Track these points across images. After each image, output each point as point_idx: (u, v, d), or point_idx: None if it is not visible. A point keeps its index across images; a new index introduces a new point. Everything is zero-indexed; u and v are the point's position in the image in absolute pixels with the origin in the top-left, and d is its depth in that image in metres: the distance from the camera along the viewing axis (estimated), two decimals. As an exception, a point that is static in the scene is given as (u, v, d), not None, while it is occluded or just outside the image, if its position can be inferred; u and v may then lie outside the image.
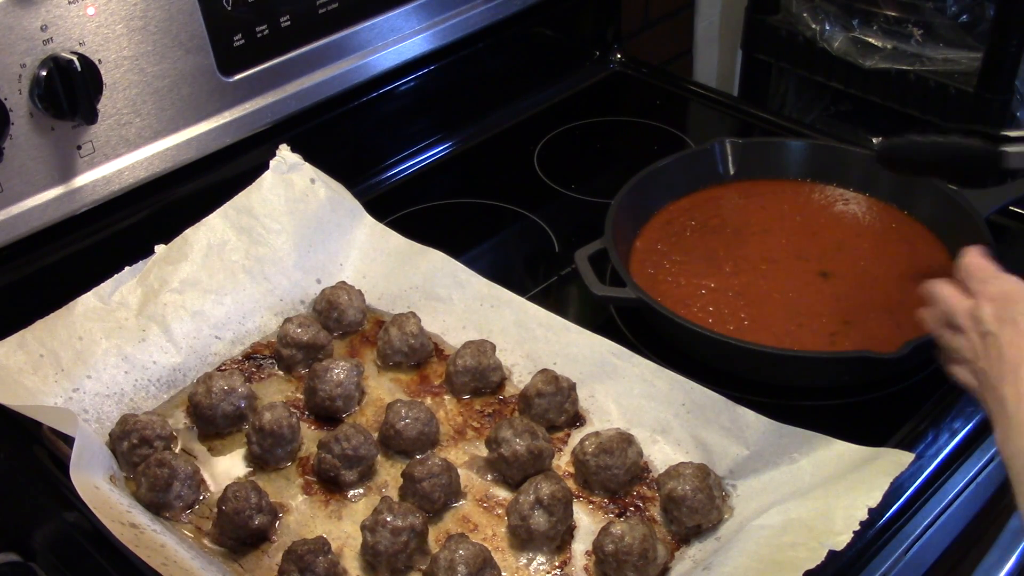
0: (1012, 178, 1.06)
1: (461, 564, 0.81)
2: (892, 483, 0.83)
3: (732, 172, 1.24)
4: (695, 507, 0.86)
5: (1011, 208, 1.18)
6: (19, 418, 0.90)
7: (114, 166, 1.06)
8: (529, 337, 1.05)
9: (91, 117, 1.00)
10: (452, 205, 1.31)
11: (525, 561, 0.87)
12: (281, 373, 1.05)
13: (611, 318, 1.10)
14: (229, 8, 1.10)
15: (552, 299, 1.13)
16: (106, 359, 0.99)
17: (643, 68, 1.58)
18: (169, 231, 1.09)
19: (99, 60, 1.00)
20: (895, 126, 1.78)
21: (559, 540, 0.88)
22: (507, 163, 1.39)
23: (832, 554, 0.78)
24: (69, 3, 0.97)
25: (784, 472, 0.89)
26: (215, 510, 0.88)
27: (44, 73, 0.96)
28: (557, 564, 0.87)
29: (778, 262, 1.14)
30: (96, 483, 0.86)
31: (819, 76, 1.77)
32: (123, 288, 1.04)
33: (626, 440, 0.92)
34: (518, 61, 1.50)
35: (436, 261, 1.12)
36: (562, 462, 0.96)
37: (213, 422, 0.97)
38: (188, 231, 1.09)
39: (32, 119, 0.98)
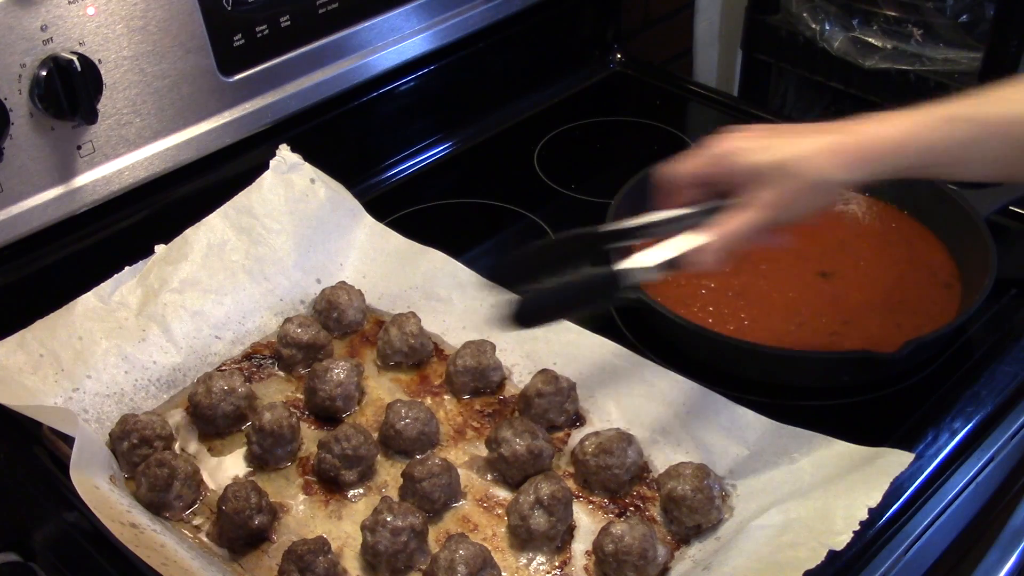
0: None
1: (461, 564, 0.81)
2: (892, 483, 0.83)
3: (732, 172, 1.24)
4: (695, 507, 0.86)
5: (1011, 208, 1.18)
6: (19, 418, 0.90)
7: (114, 166, 1.06)
8: (529, 337, 1.05)
9: (91, 117, 1.00)
10: (452, 205, 1.31)
11: (525, 561, 0.87)
12: (281, 373, 1.05)
13: (611, 318, 1.10)
14: (229, 8, 1.10)
15: (552, 299, 1.13)
16: (106, 359, 0.99)
17: (643, 68, 1.58)
18: (169, 231, 1.09)
19: (99, 60, 1.00)
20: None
21: (559, 540, 0.88)
22: (507, 163, 1.39)
23: (832, 554, 0.78)
24: (69, 3, 0.97)
25: (784, 472, 0.89)
26: (215, 510, 0.88)
27: (44, 73, 0.96)
28: (557, 564, 0.87)
29: (778, 262, 1.14)
30: (96, 483, 0.86)
31: (819, 76, 1.77)
32: (123, 288, 1.04)
33: (626, 440, 0.92)
34: (518, 61, 1.50)
35: (436, 261, 1.12)
36: (562, 462, 0.96)
37: (213, 422, 0.97)
38: (188, 231, 1.09)
39: (32, 119, 0.98)
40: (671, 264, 0.84)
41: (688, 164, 0.86)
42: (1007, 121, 0.81)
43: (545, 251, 0.96)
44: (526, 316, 0.90)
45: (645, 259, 0.85)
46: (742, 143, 0.83)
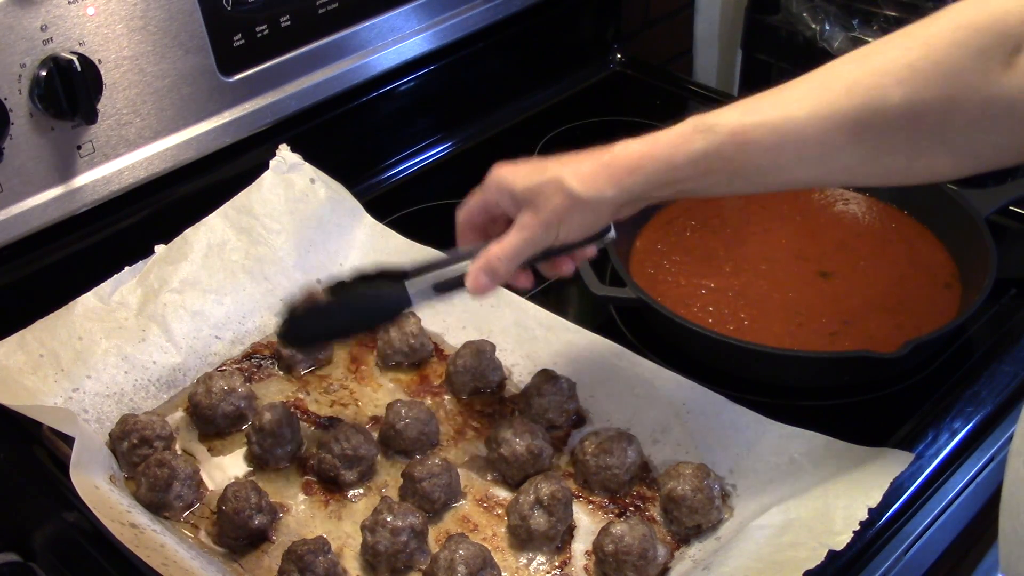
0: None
1: (461, 564, 0.81)
2: (892, 483, 0.83)
3: (732, 172, 1.24)
4: (695, 507, 0.87)
5: (1011, 208, 1.18)
6: (19, 418, 0.90)
7: (114, 166, 1.06)
8: (529, 337, 1.05)
9: (91, 117, 1.00)
10: (452, 205, 1.29)
11: (525, 561, 0.87)
12: (281, 373, 1.05)
13: (611, 318, 1.10)
14: (229, 8, 1.10)
15: (552, 299, 1.13)
16: (106, 359, 0.99)
17: (643, 68, 1.58)
18: (169, 231, 1.09)
19: (99, 60, 1.00)
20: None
21: (559, 540, 0.88)
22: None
23: (832, 554, 0.78)
24: (69, 3, 0.97)
25: (784, 472, 0.89)
26: (215, 510, 0.88)
27: (44, 73, 0.96)
28: (557, 564, 0.87)
29: (778, 262, 1.14)
30: (96, 483, 0.86)
31: (819, 76, 1.77)
32: (123, 288, 1.04)
33: (626, 440, 0.92)
34: (518, 61, 1.50)
35: (436, 261, 1.12)
36: (562, 462, 0.96)
37: (213, 422, 0.97)
38: (188, 231, 1.09)
39: (32, 119, 0.98)
40: (444, 286, 0.90)
41: (472, 198, 0.90)
42: (742, 129, 0.78)
43: (358, 282, 0.96)
44: (298, 335, 0.94)
45: (426, 281, 0.91)
46: (515, 170, 0.85)
